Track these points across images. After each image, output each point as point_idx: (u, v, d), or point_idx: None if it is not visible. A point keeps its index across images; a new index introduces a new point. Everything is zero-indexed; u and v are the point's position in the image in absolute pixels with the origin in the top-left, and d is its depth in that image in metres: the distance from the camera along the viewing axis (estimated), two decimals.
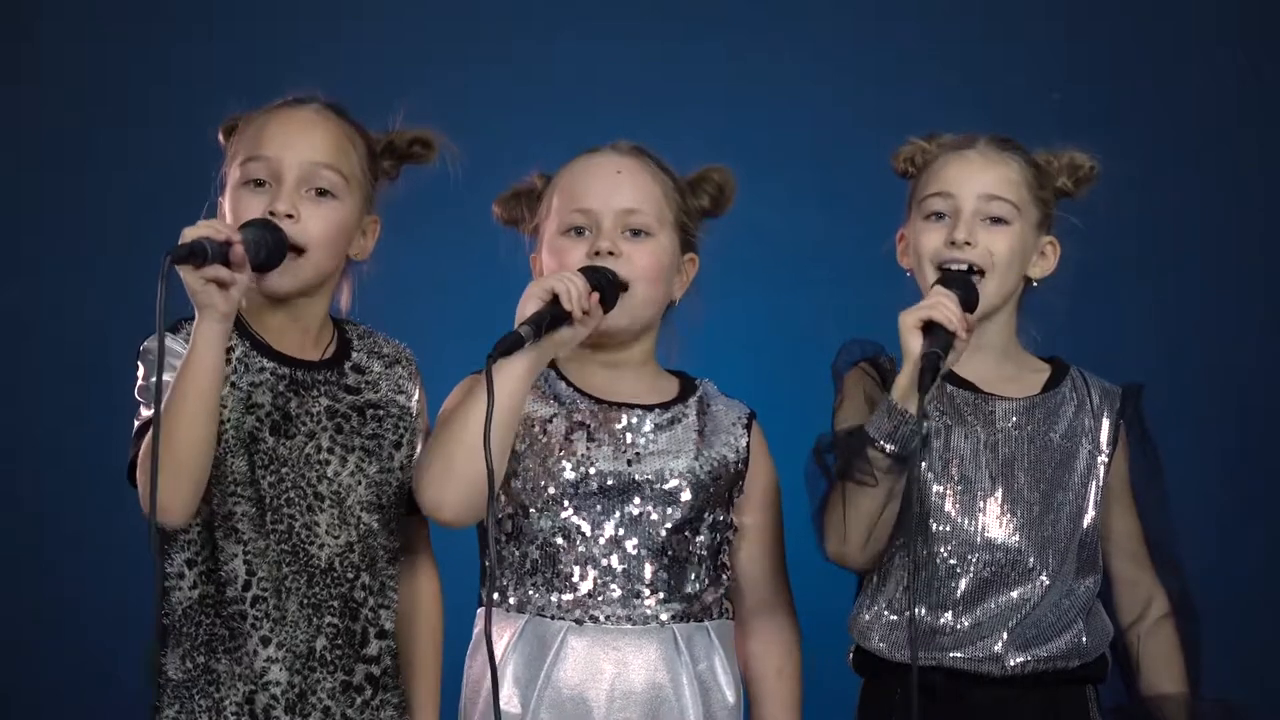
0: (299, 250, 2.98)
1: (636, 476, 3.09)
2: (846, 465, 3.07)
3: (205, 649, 2.95)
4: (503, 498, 3.07)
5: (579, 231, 3.13)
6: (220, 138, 3.10)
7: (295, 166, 3.01)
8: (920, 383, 2.98)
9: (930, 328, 3.02)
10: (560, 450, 3.09)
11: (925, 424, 3.03)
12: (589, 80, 4.29)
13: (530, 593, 3.08)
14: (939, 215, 3.18)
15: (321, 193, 3.02)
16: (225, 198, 3.04)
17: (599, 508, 3.08)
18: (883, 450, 3.04)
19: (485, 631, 2.89)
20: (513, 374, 2.94)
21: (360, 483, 3.02)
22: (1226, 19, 4.34)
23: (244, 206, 2.99)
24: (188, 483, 2.85)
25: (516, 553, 3.09)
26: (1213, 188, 4.29)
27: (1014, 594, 3.14)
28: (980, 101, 4.19)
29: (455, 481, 2.96)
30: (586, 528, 3.08)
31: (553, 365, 3.15)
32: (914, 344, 3.02)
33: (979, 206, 3.16)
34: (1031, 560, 3.14)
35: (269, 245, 2.91)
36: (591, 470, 3.08)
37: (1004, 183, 3.18)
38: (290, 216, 2.98)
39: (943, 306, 3.03)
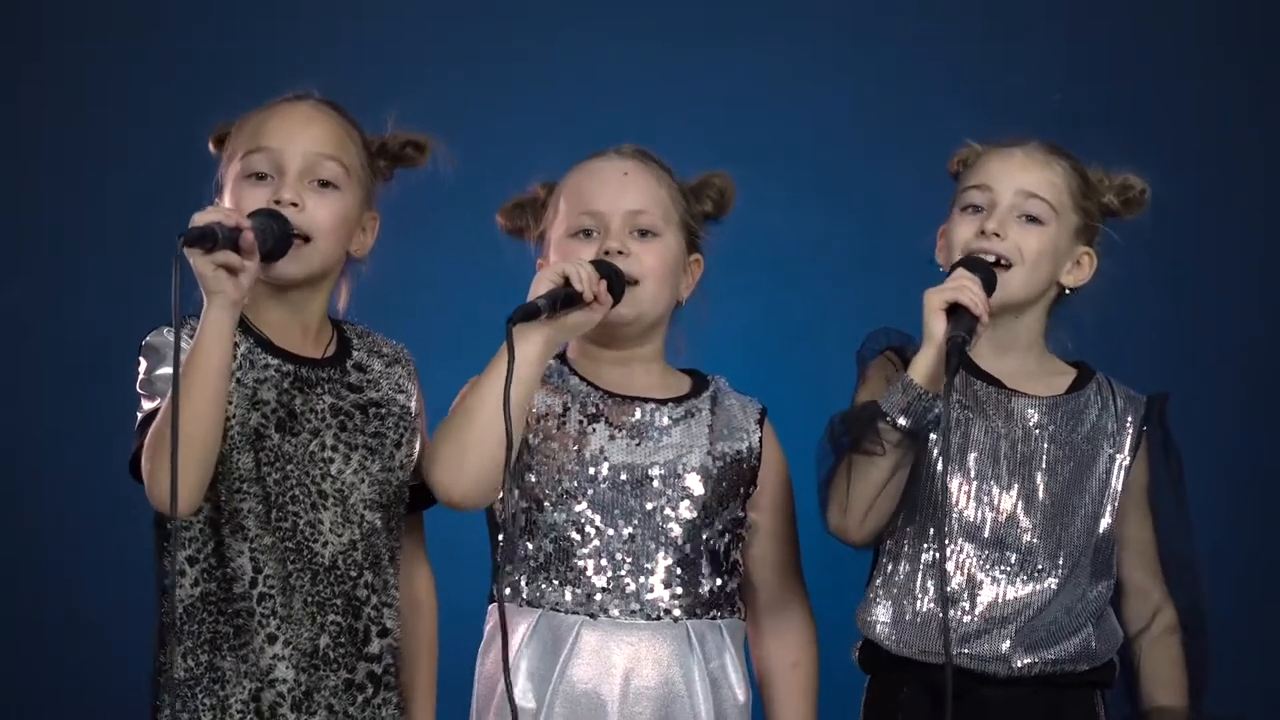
0: (305, 238, 2.99)
1: (651, 470, 3.11)
2: (856, 437, 3.06)
3: (209, 647, 2.95)
4: (516, 491, 3.08)
5: (587, 234, 3.15)
6: (211, 147, 3.10)
7: (298, 157, 3.01)
8: (948, 365, 2.98)
9: (954, 310, 3.02)
10: (575, 444, 3.11)
11: (943, 407, 3.02)
12: (589, 80, 4.30)
13: (543, 587, 3.09)
14: (976, 208, 3.18)
15: (324, 184, 3.03)
16: (225, 195, 3.04)
17: (613, 502, 3.10)
18: (894, 424, 3.03)
19: (498, 606, 2.92)
20: (527, 352, 2.96)
21: (364, 481, 3.02)
22: (1226, 19, 4.34)
23: (247, 199, 2.99)
24: (193, 472, 2.84)
25: (530, 546, 3.10)
26: (1213, 188, 4.29)
27: (1023, 592, 3.13)
28: (980, 101, 4.19)
29: (469, 461, 2.98)
30: (600, 522, 3.09)
31: (565, 362, 3.17)
32: (938, 326, 3.02)
33: (1015, 202, 3.15)
34: (1043, 560, 3.13)
35: (275, 234, 2.92)
36: (606, 464, 3.10)
37: (1044, 183, 3.17)
38: (295, 205, 2.98)
39: (968, 290, 3.03)
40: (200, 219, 2.81)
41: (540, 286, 2.99)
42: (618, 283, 3.06)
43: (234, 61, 4.21)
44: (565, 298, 2.98)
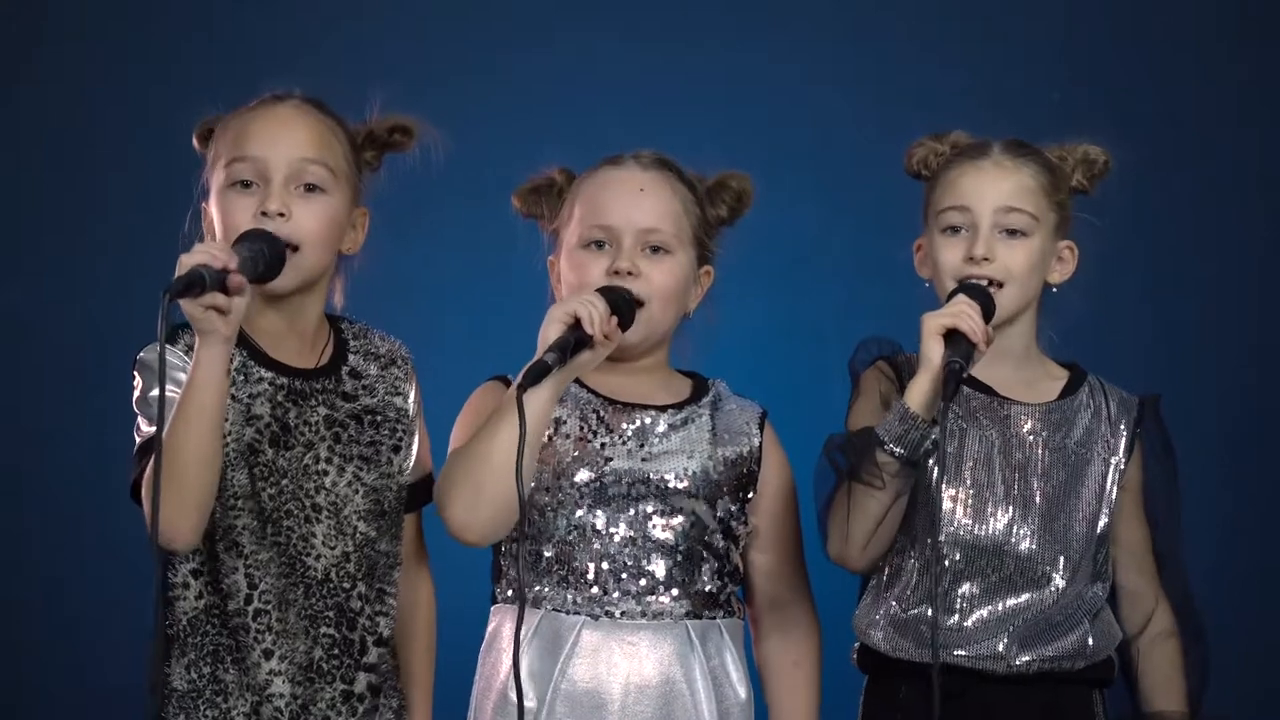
0: (294, 247, 2.97)
1: (650, 475, 3.12)
2: (855, 466, 3.06)
3: (212, 659, 2.95)
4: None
5: (599, 245, 3.15)
6: (195, 143, 3.09)
7: (282, 164, 2.99)
8: (944, 392, 2.96)
9: (952, 336, 3.01)
10: (575, 450, 3.11)
11: (938, 432, 3.01)
12: (589, 80, 4.30)
13: (545, 589, 3.10)
14: (956, 229, 3.16)
15: (310, 188, 3.01)
16: (211, 202, 3.02)
17: (613, 506, 3.10)
18: (891, 453, 3.04)
19: (514, 639, 2.93)
20: (539, 400, 2.97)
21: (358, 492, 3.01)
22: (1226, 19, 4.34)
23: (233, 209, 2.98)
24: (194, 508, 2.84)
25: (532, 552, 3.11)
26: (1213, 188, 4.29)
27: (1022, 599, 3.13)
28: (980, 101, 4.19)
29: (483, 506, 3.00)
30: (601, 526, 3.10)
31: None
32: (935, 351, 3.00)
33: (997, 220, 3.14)
34: (1041, 568, 3.13)
35: (266, 259, 2.89)
36: (606, 469, 3.11)
37: (1021, 193, 3.15)
38: (282, 215, 2.96)
39: (967, 316, 3.01)
40: (187, 262, 2.77)
41: (551, 330, 2.99)
42: (629, 313, 3.07)
43: (233, 62, 4.20)
44: (575, 343, 2.99)
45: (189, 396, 2.82)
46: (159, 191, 3.91)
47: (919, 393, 3.02)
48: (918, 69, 4.31)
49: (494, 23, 4.35)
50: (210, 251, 2.81)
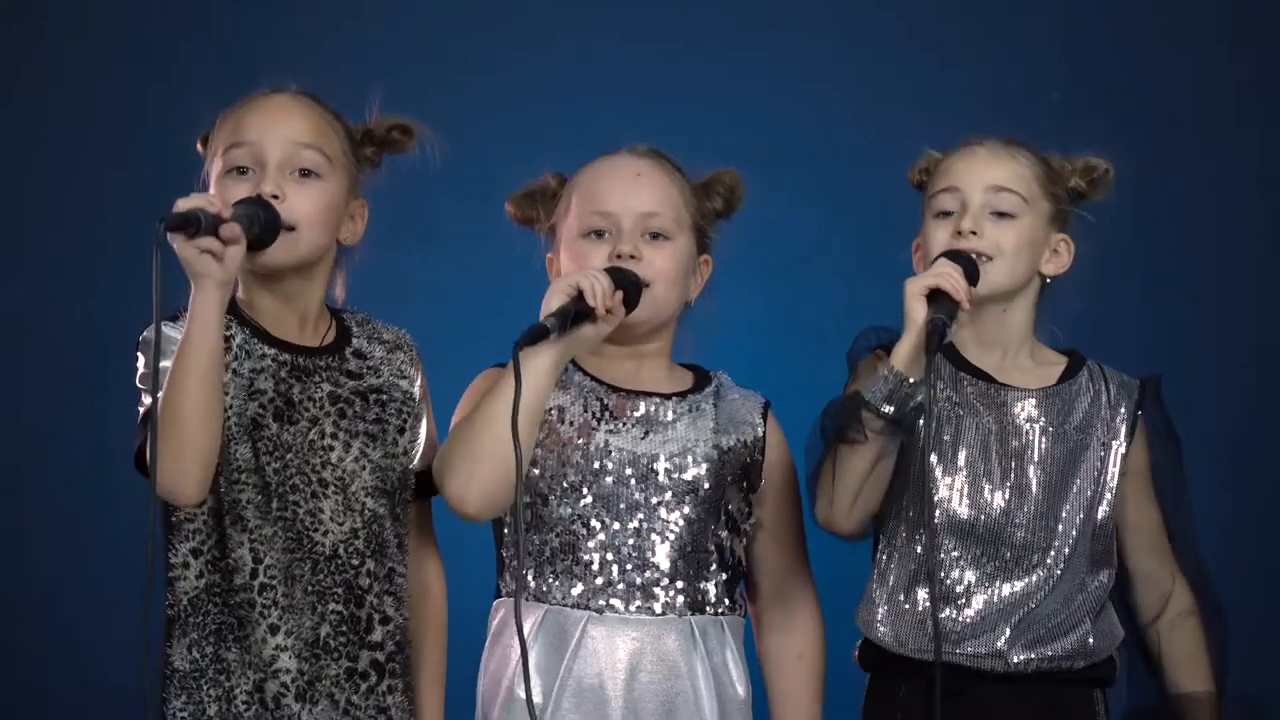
0: (289, 228, 2.98)
1: (655, 465, 3.12)
2: (841, 428, 3.07)
3: (214, 638, 2.95)
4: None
5: (599, 234, 3.15)
6: (199, 147, 3.10)
7: (278, 148, 3.00)
8: (927, 345, 2.99)
9: (935, 296, 3.03)
10: (580, 439, 3.11)
11: (925, 390, 3.02)
12: (589, 80, 4.30)
13: (551, 581, 3.09)
14: (947, 213, 3.18)
15: (305, 173, 3.02)
16: (210, 192, 3.03)
17: (618, 496, 3.10)
18: (877, 412, 3.04)
19: (516, 620, 2.92)
20: (537, 367, 2.97)
21: (365, 468, 3.02)
22: (1226, 19, 4.35)
23: (230, 195, 2.98)
24: (195, 458, 2.84)
25: (536, 540, 3.11)
26: (1213, 188, 4.30)
27: (1019, 587, 3.14)
28: (980, 101, 4.19)
29: (480, 475, 2.98)
30: (606, 516, 3.10)
31: (571, 359, 3.16)
32: (918, 311, 3.03)
33: (987, 199, 3.16)
34: (1038, 554, 3.14)
35: (262, 221, 2.91)
36: (611, 459, 3.10)
37: (1012, 175, 3.17)
38: (276, 197, 2.97)
39: (949, 276, 3.04)
40: (184, 204, 2.80)
41: (553, 300, 2.98)
42: (634, 293, 3.06)
43: (233, 62, 4.21)
44: (577, 314, 2.98)
45: (186, 349, 2.83)
46: (159, 191, 3.92)
47: (904, 351, 3.04)
48: (918, 69, 4.31)
49: (494, 23, 4.36)
50: (207, 198, 2.84)
